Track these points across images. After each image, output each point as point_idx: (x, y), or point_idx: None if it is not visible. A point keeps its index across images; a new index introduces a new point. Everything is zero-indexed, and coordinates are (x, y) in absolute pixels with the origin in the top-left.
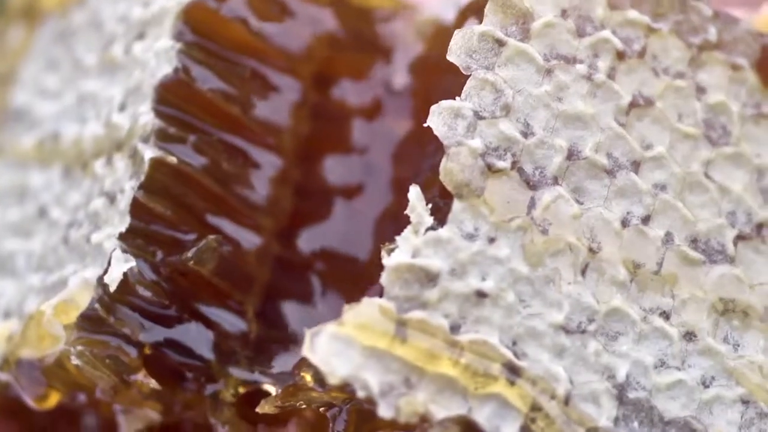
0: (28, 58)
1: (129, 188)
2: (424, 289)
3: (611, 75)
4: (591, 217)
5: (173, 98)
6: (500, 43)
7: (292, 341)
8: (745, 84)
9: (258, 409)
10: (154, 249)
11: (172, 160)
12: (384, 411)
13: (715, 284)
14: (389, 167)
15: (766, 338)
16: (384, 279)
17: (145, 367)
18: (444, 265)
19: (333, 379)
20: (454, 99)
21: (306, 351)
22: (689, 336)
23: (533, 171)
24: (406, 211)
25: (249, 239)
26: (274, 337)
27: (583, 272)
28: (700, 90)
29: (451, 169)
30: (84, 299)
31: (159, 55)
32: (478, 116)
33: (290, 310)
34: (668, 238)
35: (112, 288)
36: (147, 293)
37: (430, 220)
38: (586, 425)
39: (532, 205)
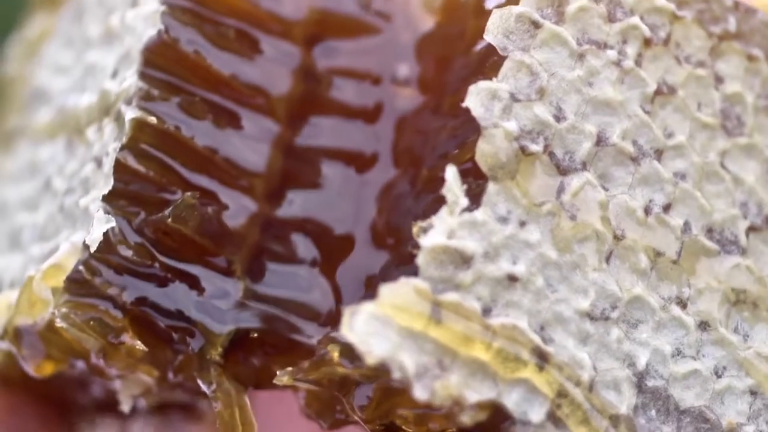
0: (50, 40)
1: (112, 150)
2: (458, 270)
3: (638, 62)
4: (616, 204)
5: (159, 60)
6: (536, 25)
7: (279, 301)
8: (760, 75)
9: (275, 381)
10: (137, 209)
11: (152, 119)
12: (419, 393)
13: (729, 275)
14: (392, 136)
15: None
16: (420, 259)
17: (130, 328)
18: (478, 247)
19: (371, 359)
20: (491, 79)
21: (344, 329)
22: (704, 326)
23: (563, 156)
24: (443, 191)
25: (236, 199)
26: (263, 297)
27: (608, 259)
28: (719, 80)
29: (486, 151)
30: (72, 263)
31: (146, 20)
32: (513, 98)
33: (279, 270)
34: (686, 227)
35: (93, 248)
36: (128, 253)
37: (465, 201)
38: (607, 412)
39: (561, 190)
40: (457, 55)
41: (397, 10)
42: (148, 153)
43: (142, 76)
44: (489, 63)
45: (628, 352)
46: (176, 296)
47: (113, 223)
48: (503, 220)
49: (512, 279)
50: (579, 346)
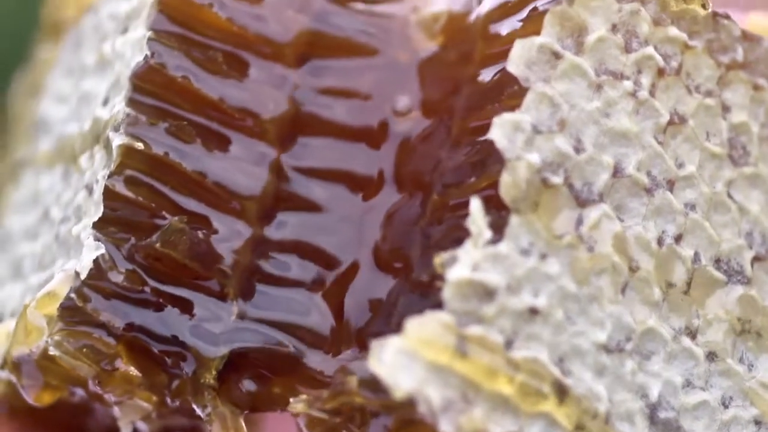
0: (53, 70)
1: (101, 178)
2: (482, 304)
3: (652, 92)
4: (631, 235)
5: (147, 86)
6: (557, 56)
7: (275, 324)
8: (764, 104)
9: (290, 409)
10: (128, 235)
11: (139, 145)
12: (445, 427)
13: (735, 305)
14: (394, 159)
15: None
16: (446, 293)
17: (124, 354)
18: (501, 280)
19: (398, 393)
20: (513, 110)
21: (372, 361)
22: (712, 356)
23: (582, 187)
24: (467, 223)
25: (227, 222)
26: (257, 320)
27: (623, 291)
28: (726, 109)
29: (510, 183)
30: (65, 291)
31: (134, 46)
32: (536, 130)
33: (272, 293)
34: (696, 258)
35: (83, 276)
36: (119, 279)
37: (489, 234)
38: None
39: (580, 221)
40: (465, 79)
41: (393, 31)
42: (137, 179)
43: (131, 102)
44: (508, 92)
45: (642, 383)
46: (169, 321)
47: (102, 250)
48: (525, 252)
49: (533, 312)
50: (596, 378)
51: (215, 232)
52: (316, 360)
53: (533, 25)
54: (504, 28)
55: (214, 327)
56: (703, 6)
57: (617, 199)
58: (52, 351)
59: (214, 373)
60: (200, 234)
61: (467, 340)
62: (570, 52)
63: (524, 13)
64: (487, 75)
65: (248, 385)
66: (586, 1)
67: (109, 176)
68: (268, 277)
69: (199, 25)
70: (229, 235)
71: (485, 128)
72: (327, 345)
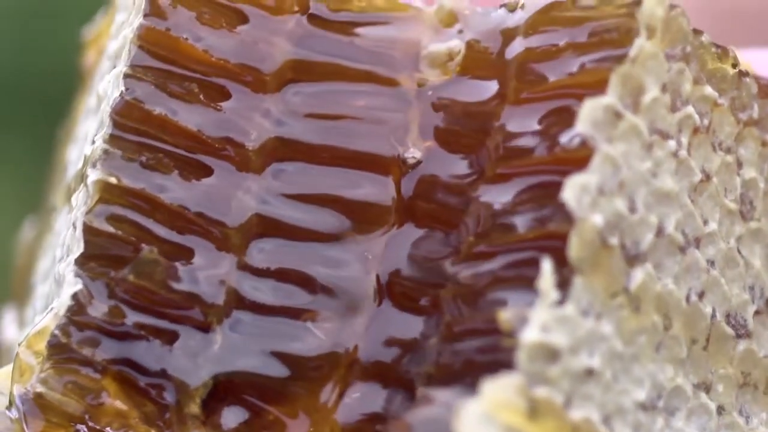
0: (81, 115)
1: (80, 214)
2: (548, 365)
3: (689, 151)
4: (667, 294)
5: (126, 122)
6: (618, 116)
7: (261, 351)
8: None
9: None
10: (107, 270)
11: (112, 180)
12: None
13: (740, 359)
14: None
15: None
16: (520, 355)
17: (110, 389)
18: (566, 342)
19: None
20: (579, 169)
21: (456, 426)
22: (720, 410)
23: (631, 247)
24: (539, 284)
25: (209, 252)
26: (242, 347)
27: (658, 349)
28: (740, 165)
29: (578, 245)
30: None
31: (114, 83)
32: (600, 191)
33: (257, 320)
34: (713, 314)
35: (61, 312)
36: (100, 313)
37: (556, 295)
38: None
39: (628, 281)
40: (493, 115)
41: (394, 58)
42: (115, 213)
43: (111, 138)
44: (567, 147)
45: None
46: (152, 353)
47: (80, 286)
48: (585, 313)
49: (589, 373)
50: None
51: (197, 261)
52: (307, 385)
53: (587, 77)
54: (549, 72)
55: (198, 356)
56: (733, 65)
57: (657, 257)
58: (39, 389)
59: (198, 401)
60: (179, 264)
61: (536, 402)
62: (629, 112)
63: (574, 64)
64: (528, 119)
65: (236, 412)
66: (644, 60)
67: (87, 212)
68: (252, 305)
69: (178, 58)
70: (211, 264)
71: (532, 174)
72: (325, 372)
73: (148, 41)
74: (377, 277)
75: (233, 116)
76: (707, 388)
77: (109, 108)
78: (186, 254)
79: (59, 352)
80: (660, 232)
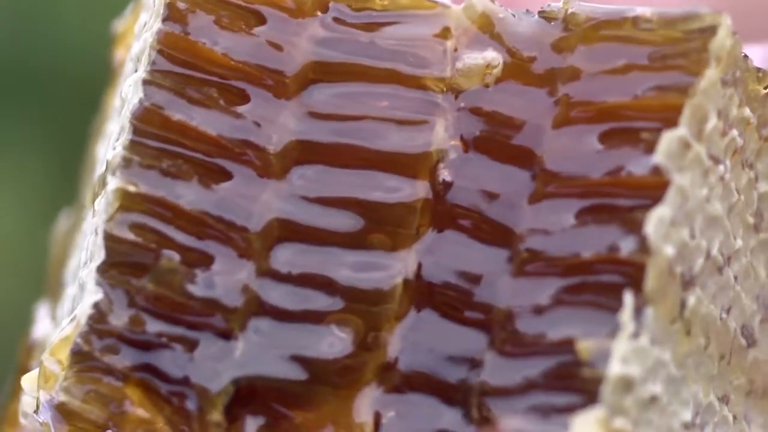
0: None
1: (101, 222)
2: (625, 396)
3: (731, 173)
4: (708, 314)
5: (146, 128)
6: (687, 147)
7: (285, 357)
8: None
9: None
10: (128, 278)
11: (132, 188)
12: None
13: (750, 368)
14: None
15: (765, 415)
16: (605, 389)
17: (132, 397)
18: (639, 373)
19: None
20: (657, 203)
21: None
22: (735, 419)
23: (686, 272)
24: (621, 316)
25: (230, 257)
26: (264, 353)
27: (698, 368)
28: (757, 179)
29: (655, 277)
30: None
31: (134, 87)
32: (672, 223)
33: (282, 327)
34: (735, 328)
35: (83, 320)
36: (121, 321)
37: (633, 327)
38: None
39: (683, 307)
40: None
41: (424, 57)
42: (136, 221)
43: (131, 144)
44: (635, 175)
45: None
46: (174, 360)
47: (101, 294)
48: (653, 342)
49: (653, 399)
50: None
51: (217, 267)
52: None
53: (652, 102)
54: (606, 92)
55: (219, 363)
56: (766, 86)
57: (701, 280)
58: (61, 397)
59: (220, 408)
60: (199, 271)
61: None
62: (695, 141)
63: (636, 87)
64: (583, 137)
65: (258, 419)
66: (709, 89)
67: (108, 220)
68: (274, 310)
69: (197, 62)
70: (231, 270)
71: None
72: (353, 376)
73: (167, 46)
74: (415, 282)
75: (253, 120)
76: (727, 400)
77: (129, 113)
78: (206, 260)
79: (81, 360)
80: (708, 255)
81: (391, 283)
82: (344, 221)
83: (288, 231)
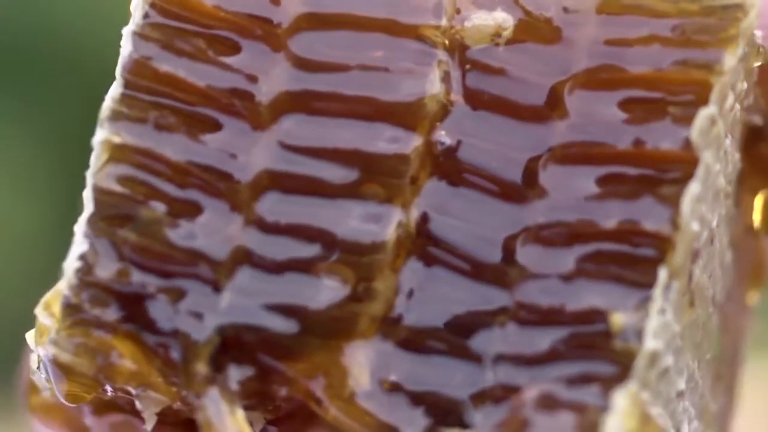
0: None
1: (89, 175)
2: (650, 370)
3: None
4: (703, 283)
5: (136, 80)
6: (713, 124)
7: (273, 307)
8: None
9: None
10: (115, 229)
11: (117, 139)
12: None
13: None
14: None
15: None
16: (639, 363)
17: (119, 348)
18: (663, 347)
19: None
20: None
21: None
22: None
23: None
24: (654, 292)
25: (218, 207)
26: (252, 305)
27: (691, 337)
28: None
29: (682, 252)
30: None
31: (125, 39)
32: (698, 199)
33: (265, 276)
34: (713, 296)
35: (71, 272)
36: (108, 273)
37: (661, 302)
38: None
39: (692, 279)
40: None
41: (420, 5)
42: (123, 172)
43: (121, 97)
44: (662, 149)
45: (680, 420)
46: (160, 311)
47: (87, 246)
48: (674, 316)
49: (666, 371)
50: (668, 423)
51: (204, 218)
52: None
53: (678, 76)
54: (629, 61)
55: (205, 313)
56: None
57: (703, 252)
58: (52, 350)
59: (206, 358)
60: (184, 221)
61: (645, 407)
62: (719, 118)
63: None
64: (603, 104)
65: (245, 370)
66: (734, 67)
67: (96, 172)
68: (261, 260)
69: (187, 14)
70: (218, 220)
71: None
72: (344, 327)
73: None
74: (416, 235)
75: (243, 71)
76: (699, 365)
77: (120, 67)
78: (193, 211)
79: (72, 313)
80: (711, 228)
81: (383, 234)
82: (335, 171)
83: (277, 181)
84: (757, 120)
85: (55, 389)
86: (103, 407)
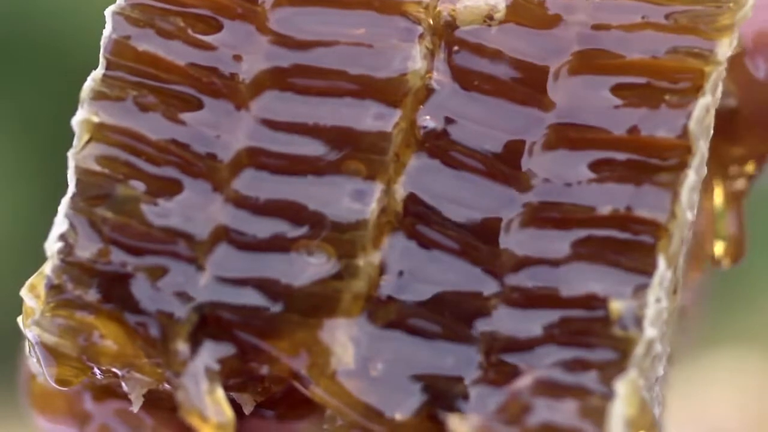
0: None
1: (70, 155)
2: (646, 357)
3: None
4: (681, 267)
5: (117, 60)
6: (707, 113)
7: (251, 283)
8: None
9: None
10: (94, 209)
11: (95, 119)
12: None
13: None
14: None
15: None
16: (638, 350)
17: (100, 328)
18: (657, 335)
19: None
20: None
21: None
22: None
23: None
24: (654, 280)
25: (197, 186)
26: (230, 281)
27: (669, 322)
28: None
29: (677, 240)
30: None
31: (107, 19)
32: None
33: (244, 254)
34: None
35: (51, 252)
36: (88, 253)
37: (658, 290)
38: None
39: (677, 266)
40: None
41: None
42: (103, 151)
43: (102, 77)
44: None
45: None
46: (140, 290)
47: (66, 226)
48: (667, 303)
49: (655, 358)
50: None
51: (183, 196)
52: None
53: (673, 64)
54: (623, 46)
55: (184, 291)
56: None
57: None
58: (35, 331)
59: (184, 336)
60: (163, 199)
61: (640, 391)
62: (712, 107)
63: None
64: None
65: (225, 348)
66: (726, 56)
67: (76, 152)
68: (240, 237)
69: None
70: (197, 198)
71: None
72: (325, 304)
73: None
74: (403, 213)
75: (224, 49)
76: (668, 352)
77: (102, 48)
78: (172, 189)
79: (55, 294)
80: (692, 213)
81: (364, 211)
82: (316, 148)
83: (256, 159)
84: (732, 102)
85: (45, 371)
86: (102, 393)
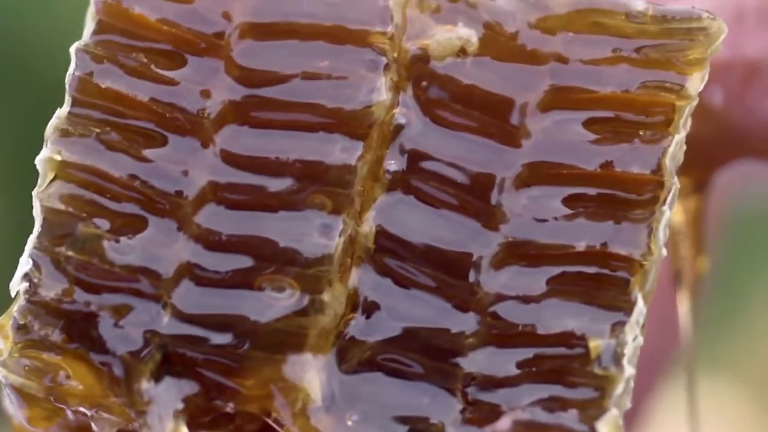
0: None
1: (35, 193)
2: (625, 393)
3: None
4: None
5: (81, 98)
6: (681, 148)
7: (214, 323)
8: None
9: None
10: (58, 248)
11: (58, 157)
12: None
13: None
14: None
15: None
16: (617, 390)
17: (66, 369)
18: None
19: None
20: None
21: None
22: None
23: None
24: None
25: (161, 224)
26: (191, 319)
27: None
28: None
29: (653, 277)
30: None
31: (73, 56)
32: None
33: (207, 291)
34: None
35: (14, 293)
36: (50, 292)
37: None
38: None
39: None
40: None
41: (367, 12)
42: (67, 190)
43: (67, 115)
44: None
45: None
46: (103, 329)
47: (30, 266)
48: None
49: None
50: None
51: (145, 234)
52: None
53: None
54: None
55: (147, 330)
56: None
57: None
58: (3, 373)
59: (147, 376)
60: (125, 237)
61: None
62: (684, 143)
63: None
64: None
65: (189, 386)
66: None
67: (40, 191)
68: (203, 274)
69: (132, 29)
70: (159, 236)
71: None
72: (290, 340)
73: (105, 13)
74: (374, 250)
75: (188, 84)
76: None
77: (67, 86)
78: (136, 227)
79: (22, 334)
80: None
81: (329, 246)
82: (279, 182)
83: (219, 194)
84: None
85: (18, 413)
86: None
